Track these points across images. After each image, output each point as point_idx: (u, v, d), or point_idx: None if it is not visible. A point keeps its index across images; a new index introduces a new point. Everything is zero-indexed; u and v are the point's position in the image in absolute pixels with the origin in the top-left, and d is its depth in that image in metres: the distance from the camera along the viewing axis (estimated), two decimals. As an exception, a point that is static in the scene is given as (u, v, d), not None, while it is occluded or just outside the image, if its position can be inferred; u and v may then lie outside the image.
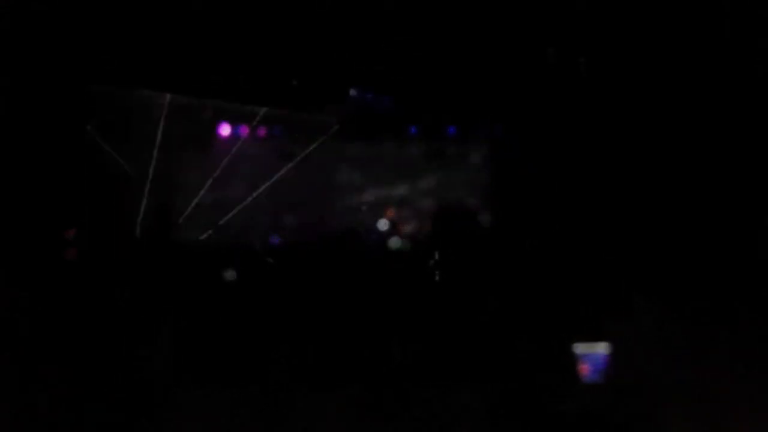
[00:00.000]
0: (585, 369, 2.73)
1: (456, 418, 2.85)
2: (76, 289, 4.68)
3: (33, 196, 6.83)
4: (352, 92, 9.89)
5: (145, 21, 7.04)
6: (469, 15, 7.46)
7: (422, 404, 2.95)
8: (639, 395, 2.46)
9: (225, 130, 8.92)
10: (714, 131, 7.49)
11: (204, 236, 7.92)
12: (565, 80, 8.49)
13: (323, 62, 9.09)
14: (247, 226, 8.36)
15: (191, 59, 8.40)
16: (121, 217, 8.63)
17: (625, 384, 2.54)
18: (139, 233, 7.67)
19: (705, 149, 7.47)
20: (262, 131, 9.14)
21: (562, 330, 2.91)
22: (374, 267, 6.43)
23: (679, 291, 3.06)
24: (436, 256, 7.07)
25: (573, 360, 2.72)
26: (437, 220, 8.17)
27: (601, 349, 2.74)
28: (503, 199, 9.78)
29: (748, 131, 7.21)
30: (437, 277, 6.43)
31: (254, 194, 8.23)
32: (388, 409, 2.98)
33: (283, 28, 7.98)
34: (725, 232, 6.10)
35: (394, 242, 8.83)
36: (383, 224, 9.34)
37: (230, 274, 6.92)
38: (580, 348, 2.74)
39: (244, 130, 10.35)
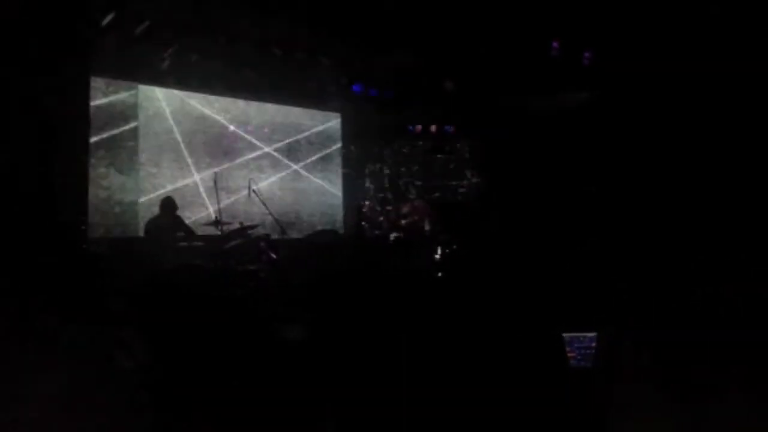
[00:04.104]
0: (572, 355, 2.75)
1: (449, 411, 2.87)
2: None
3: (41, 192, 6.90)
4: (355, 88, 9.95)
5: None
6: (467, 13, 7.49)
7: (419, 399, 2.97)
8: (621, 382, 2.48)
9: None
10: (712, 131, 7.47)
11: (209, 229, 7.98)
12: (563, 77, 8.52)
13: (326, 58, 9.15)
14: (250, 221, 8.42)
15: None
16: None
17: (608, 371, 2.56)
18: (147, 231, 7.75)
19: (700, 149, 7.47)
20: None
21: (551, 318, 2.93)
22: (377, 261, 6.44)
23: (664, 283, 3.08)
24: (439, 251, 7.10)
25: (561, 347, 2.74)
26: (436, 214, 8.20)
27: (589, 335, 2.76)
28: (497, 193, 9.78)
29: (751, 133, 7.17)
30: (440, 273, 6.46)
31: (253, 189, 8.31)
32: (390, 405, 2.99)
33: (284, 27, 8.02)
34: (712, 227, 6.09)
35: (396, 236, 8.87)
36: (385, 219, 9.39)
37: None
38: (567, 335, 2.76)
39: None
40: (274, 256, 7.48)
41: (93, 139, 8.21)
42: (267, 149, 10.29)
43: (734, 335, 3.03)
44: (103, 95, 8.42)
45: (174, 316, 4.05)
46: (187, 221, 8.18)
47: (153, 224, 7.68)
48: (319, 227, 10.40)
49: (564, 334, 2.73)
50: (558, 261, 4.28)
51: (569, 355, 2.71)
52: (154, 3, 7.40)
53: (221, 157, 9.68)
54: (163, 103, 9.10)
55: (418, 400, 2.98)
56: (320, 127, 11.04)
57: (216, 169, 9.21)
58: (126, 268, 5.58)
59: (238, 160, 9.90)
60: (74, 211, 7.50)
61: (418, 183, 11.14)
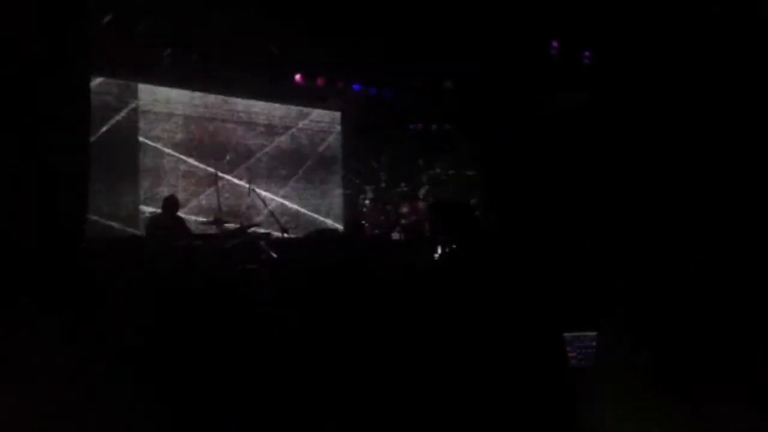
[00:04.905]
0: (573, 355, 2.75)
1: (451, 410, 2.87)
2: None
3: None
4: (355, 87, 9.97)
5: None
6: (468, 11, 7.49)
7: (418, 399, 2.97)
8: (621, 381, 2.49)
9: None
10: (712, 131, 7.46)
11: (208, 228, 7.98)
12: (562, 76, 8.52)
13: (326, 57, 9.15)
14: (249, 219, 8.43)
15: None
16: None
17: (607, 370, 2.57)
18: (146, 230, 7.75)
19: (701, 149, 7.46)
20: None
21: (552, 318, 2.93)
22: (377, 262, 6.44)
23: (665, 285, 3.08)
24: (439, 250, 7.09)
25: (561, 347, 2.75)
26: (435, 213, 8.18)
27: (589, 335, 2.77)
28: (496, 193, 9.78)
29: (752, 133, 7.16)
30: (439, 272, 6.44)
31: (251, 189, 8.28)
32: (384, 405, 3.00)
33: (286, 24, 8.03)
34: (712, 227, 6.09)
35: (396, 236, 8.87)
36: (385, 219, 9.40)
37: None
38: (568, 334, 2.76)
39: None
40: (274, 255, 7.47)
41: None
42: (266, 149, 10.30)
43: (734, 335, 3.04)
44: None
45: (174, 315, 4.06)
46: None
47: (154, 223, 7.67)
48: (320, 227, 10.41)
49: (565, 334, 2.74)
50: (558, 261, 4.28)
51: (570, 355, 2.72)
52: (154, 3, 7.40)
53: (222, 156, 9.68)
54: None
55: (418, 400, 2.98)
56: (319, 127, 11.04)
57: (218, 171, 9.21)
58: (126, 267, 5.59)
59: (239, 160, 9.90)
60: (74, 211, 7.48)
61: (418, 182, 11.13)
